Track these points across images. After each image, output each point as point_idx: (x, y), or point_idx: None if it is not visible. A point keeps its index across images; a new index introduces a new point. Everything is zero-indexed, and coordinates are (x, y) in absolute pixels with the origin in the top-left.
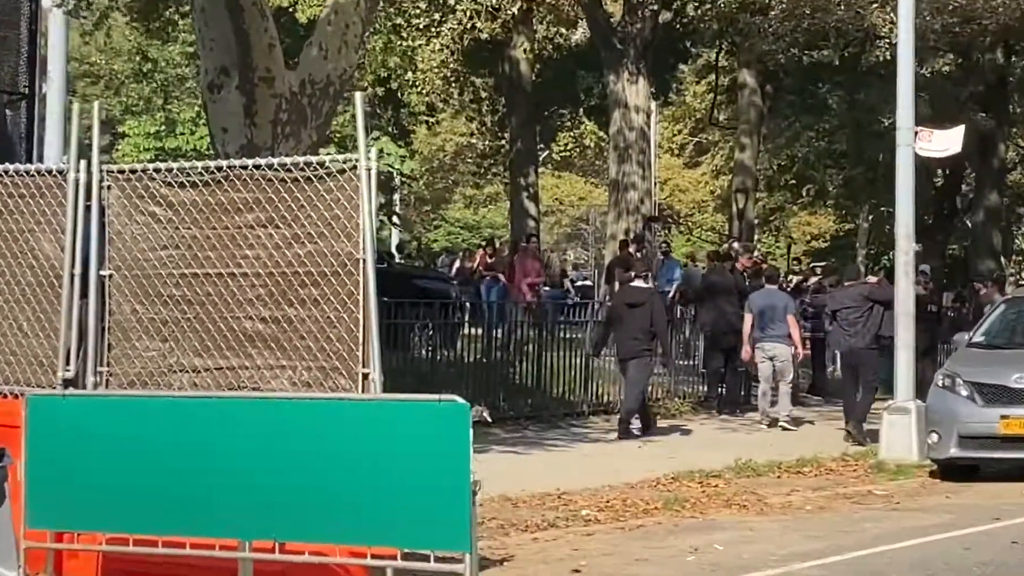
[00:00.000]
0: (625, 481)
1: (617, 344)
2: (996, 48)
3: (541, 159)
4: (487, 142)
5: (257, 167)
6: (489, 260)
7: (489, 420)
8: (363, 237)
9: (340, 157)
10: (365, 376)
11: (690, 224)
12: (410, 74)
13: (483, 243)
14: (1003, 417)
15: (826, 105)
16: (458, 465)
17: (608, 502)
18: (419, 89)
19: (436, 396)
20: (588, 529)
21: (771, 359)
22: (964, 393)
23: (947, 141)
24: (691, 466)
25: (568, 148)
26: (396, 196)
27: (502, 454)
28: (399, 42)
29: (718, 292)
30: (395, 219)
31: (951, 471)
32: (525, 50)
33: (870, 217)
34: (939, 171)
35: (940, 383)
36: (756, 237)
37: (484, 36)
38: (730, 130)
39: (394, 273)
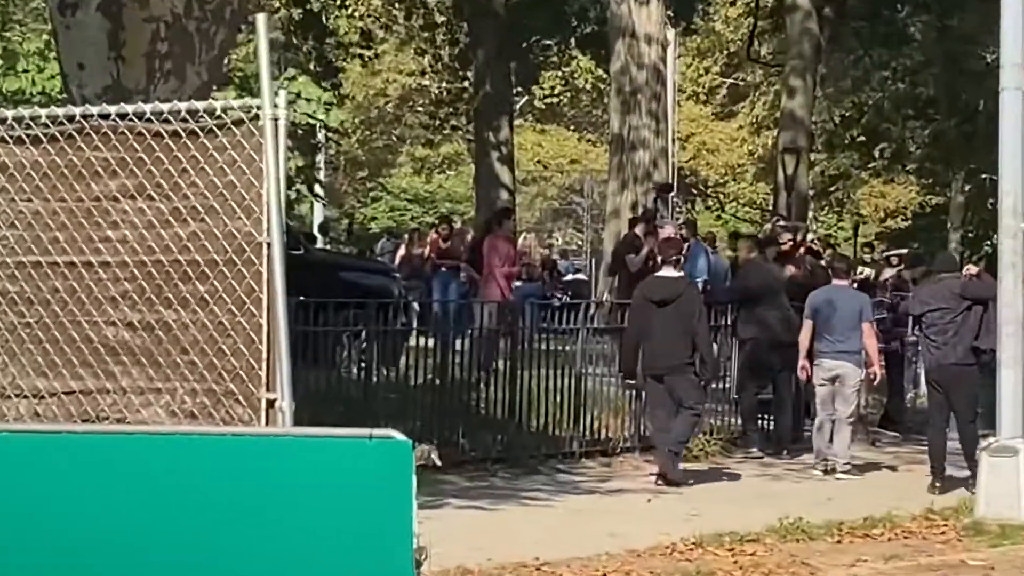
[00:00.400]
0: (629, 548)
1: (645, 355)
2: None
3: (518, 107)
4: (444, 84)
5: (124, 116)
6: (443, 245)
7: (438, 463)
8: (267, 213)
9: (237, 103)
10: (270, 403)
11: (722, 196)
12: None
13: (436, 222)
14: None
15: (906, 34)
16: (395, 525)
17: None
18: (350, 10)
19: (367, 431)
20: None
21: (833, 381)
22: None
23: None
24: (719, 527)
25: (556, 92)
26: (320, 158)
27: (461, 510)
28: None
29: (759, 296)
30: (318, 189)
31: None
32: None
33: (967, 187)
34: None
35: None
36: (811, 214)
37: None
38: (776, 68)
39: (315, 263)
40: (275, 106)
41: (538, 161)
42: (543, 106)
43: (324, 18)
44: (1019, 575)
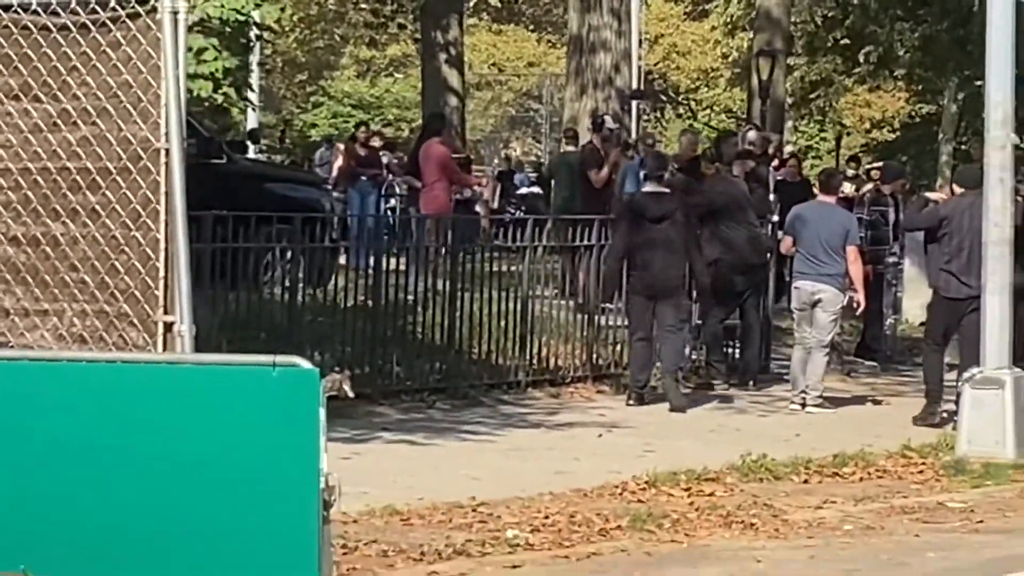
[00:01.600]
0: (575, 487)
1: (636, 275)
2: None
3: (472, 5)
4: None
5: (8, 9)
6: (362, 153)
7: (350, 394)
8: (166, 116)
9: None
10: (168, 327)
11: (693, 103)
12: None
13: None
14: None
15: None
16: (300, 462)
17: (548, 518)
18: None
19: (270, 358)
20: (514, 558)
21: (814, 306)
22: None
23: None
24: (676, 464)
25: None
26: (253, 59)
27: (392, 444)
28: None
29: (723, 212)
30: (250, 94)
31: None
32: None
33: (960, 95)
34: None
35: None
36: (790, 123)
37: None
38: None
39: (238, 173)
40: None
41: (493, 64)
42: (499, 3)
43: None
44: (1002, 518)
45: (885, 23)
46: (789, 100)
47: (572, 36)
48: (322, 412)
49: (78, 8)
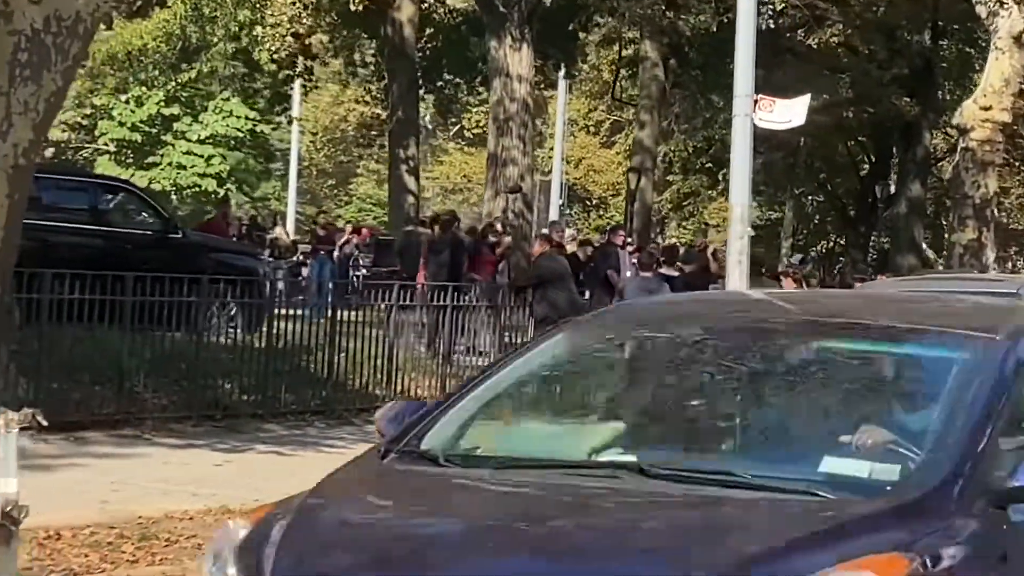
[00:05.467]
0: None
1: None
2: (923, 30)
3: (452, 133)
4: (371, 111)
5: None
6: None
7: (44, 423)
8: None
9: None
10: None
11: (606, 206)
12: (259, 29)
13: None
14: None
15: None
16: None
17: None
18: (267, 45)
19: None
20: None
21: None
22: None
23: (789, 112)
24: None
25: (482, 124)
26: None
27: (263, 455)
28: None
29: (549, 281)
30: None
31: None
32: (410, 15)
33: (796, 206)
34: (864, 158)
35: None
36: (674, 222)
37: None
38: (633, 107)
39: (190, 244)
40: None
41: (464, 175)
42: (473, 135)
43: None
44: None
45: None
46: (670, 205)
47: (490, 154)
48: (12, 440)
49: None
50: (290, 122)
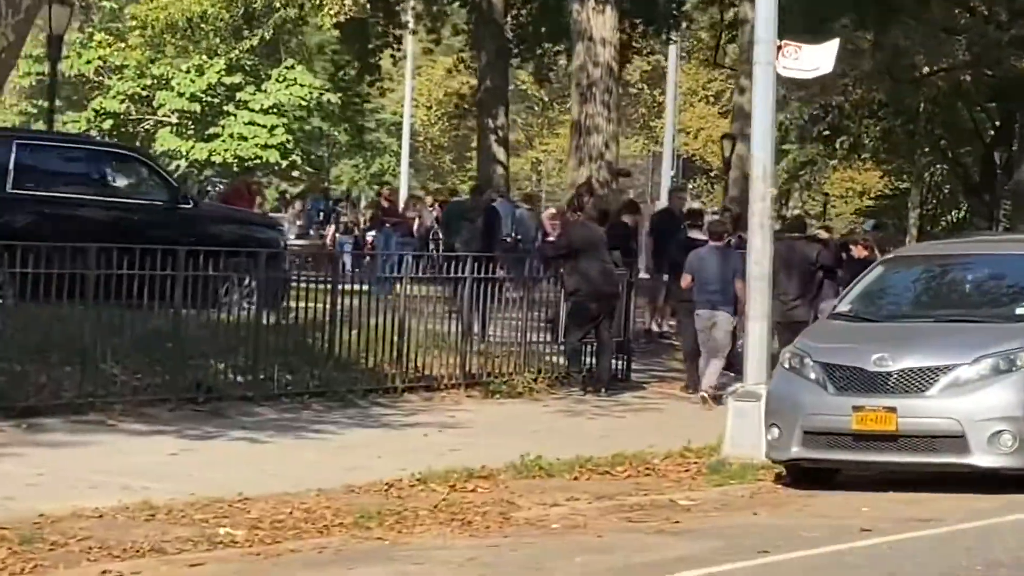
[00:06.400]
0: (349, 483)
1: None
2: None
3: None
4: (465, 81)
5: None
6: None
7: None
8: None
9: None
10: None
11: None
12: None
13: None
14: (856, 408)
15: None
16: None
17: (281, 514)
18: (327, 10)
19: None
20: (215, 555)
21: (711, 328)
22: (812, 376)
23: (817, 59)
24: (472, 461)
25: None
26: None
27: (233, 442)
28: None
29: (581, 251)
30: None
31: (802, 475)
32: None
33: (925, 175)
34: (988, 124)
35: (786, 364)
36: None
37: None
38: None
39: (201, 216)
40: None
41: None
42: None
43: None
44: (714, 516)
45: (855, 120)
46: (786, 175)
47: (573, 121)
48: None
49: None
50: (382, 94)
